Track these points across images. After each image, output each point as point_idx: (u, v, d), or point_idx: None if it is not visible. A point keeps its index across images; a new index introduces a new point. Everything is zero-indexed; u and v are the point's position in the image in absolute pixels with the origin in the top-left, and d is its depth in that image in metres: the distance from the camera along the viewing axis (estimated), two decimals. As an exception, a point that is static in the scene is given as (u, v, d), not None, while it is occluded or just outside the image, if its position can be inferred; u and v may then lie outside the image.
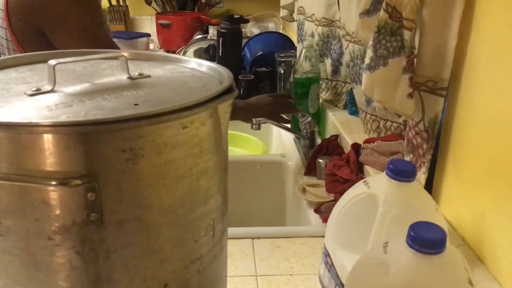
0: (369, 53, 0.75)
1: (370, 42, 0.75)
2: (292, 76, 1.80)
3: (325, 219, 1.03)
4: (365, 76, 0.76)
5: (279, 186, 1.40)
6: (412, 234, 0.51)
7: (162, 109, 0.47)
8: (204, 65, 0.63)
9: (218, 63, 2.04)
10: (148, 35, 2.60)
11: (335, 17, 1.41)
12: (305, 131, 1.37)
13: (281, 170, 1.39)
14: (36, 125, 0.44)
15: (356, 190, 0.71)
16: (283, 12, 1.99)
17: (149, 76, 0.61)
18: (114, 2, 2.80)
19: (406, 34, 0.73)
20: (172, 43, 2.64)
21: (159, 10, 2.84)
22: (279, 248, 0.95)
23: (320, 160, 1.20)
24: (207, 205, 0.55)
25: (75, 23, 1.15)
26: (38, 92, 0.53)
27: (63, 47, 1.13)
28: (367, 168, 1.09)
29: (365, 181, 0.70)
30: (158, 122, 0.47)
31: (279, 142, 1.63)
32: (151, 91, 0.56)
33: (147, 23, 2.94)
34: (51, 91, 0.54)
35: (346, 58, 1.22)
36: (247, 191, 1.41)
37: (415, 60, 0.75)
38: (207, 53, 2.12)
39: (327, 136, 1.43)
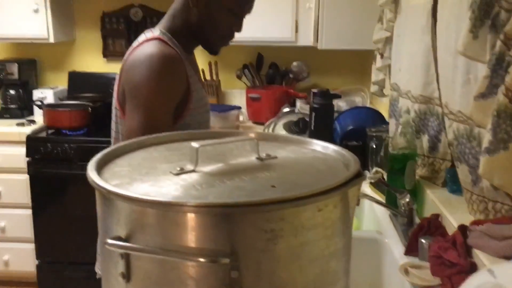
0: (488, 136, 0.74)
1: (489, 126, 0.74)
2: (383, 150, 1.79)
3: (432, 305, 0.98)
4: (484, 159, 0.75)
5: (375, 265, 1.35)
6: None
7: (303, 193, 0.49)
8: (330, 148, 0.66)
9: (310, 136, 2.08)
10: (239, 107, 2.73)
11: (434, 94, 1.41)
12: (403, 208, 1.33)
13: (378, 248, 1.35)
14: (191, 205, 0.48)
15: (479, 279, 0.68)
16: (373, 88, 2.02)
17: (275, 157, 0.65)
18: (208, 77, 3.00)
19: (528, 119, 0.72)
20: (261, 115, 2.74)
21: (249, 84, 2.99)
22: (385, 333, 0.91)
23: (422, 240, 1.16)
24: (335, 288, 0.55)
25: (141, 100, 1.16)
26: (182, 171, 0.58)
27: (126, 115, 1.17)
28: (477, 252, 1.03)
29: (489, 269, 0.67)
30: (298, 205, 0.49)
31: (372, 218, 1.60)
32: (282, 172, 0.59)
33: (237, 96, 3.10)
34: (193, 171, 0.59)
35: (449, 136, 1.20)
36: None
37: (537, 144, 0.73)
38: (296, 127, 2.18)
39: (425, 214, 1.38)
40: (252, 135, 0.69)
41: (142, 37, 1.25)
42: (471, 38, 0.85)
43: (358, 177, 0.56)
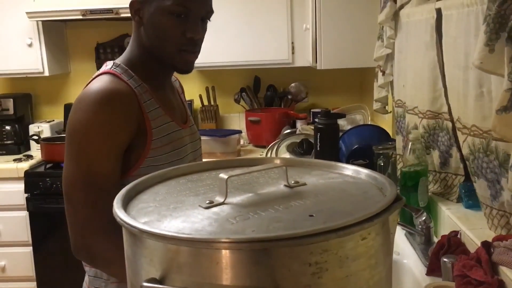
0: (516, 150, 0.73)
1: (516, 139, 0.73)
2: (390, 167, 1.77)
3: (463, 327, 0.95)
4: (512, 174, 0.74)
5: (395, 286, 1.32)
6: None
7: (347, 222, 0.47)
8: (360, 172, 0.64)
9: (316, 156, 2.04)
10: (240, 131, 2.71)
11: (442, 109, 1.40)
12: (420, 226, 1.31)
13: (397, 269, 1.32)
14: (232, 241, 0.45)
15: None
16: (376, 105, 2.01)
17: (304, 184, 0.63)
18: (206, 103, 3.00)
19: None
20: (261, 138, 2.73)
21: (247, 108, 2.99)
22: None
23: (445, 260, 1.13)
24: (380, 320, 0.53)
25: (75, 146, 1.03)
26: (212, 204, 0.56)
27: (64, 162, 1.06)
28: (503, 269, 1.01)
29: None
30: (343, 235, 0.47)
31: (386, 237, 1.57)
32: (316, 200, 0.57)
33: (236, 120, 3.09)
34: (223, 203, 0.56)
35: (464, 151, 1.19)
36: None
37: None
38: (300, 148, 2.16)
39: (441, 231, 1.36)
40: (277, 161, 0.67)
41: (97, 72, 1.13)
42: (488, 52, 0.84)
43: (397, 201, 0.54)
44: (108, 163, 1.03)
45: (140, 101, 1.08)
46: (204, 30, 1.13)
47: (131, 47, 1.15)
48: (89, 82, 1.09)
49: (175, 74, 1.25)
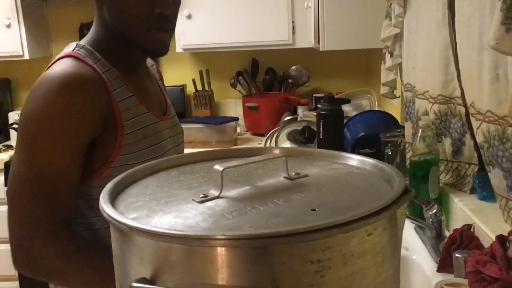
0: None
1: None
2: (398, 157, 1.78)
3: (477, 327, 0.96)
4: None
5: (404, 284, 1.33)
6: None
7: (352, 216, 0.47)
8: (366, 162, 0.64)
9: (319, 145, 2.04)
10: (236, 119, 2.71)
11: (455, 94, 1.40)
12: (430, 220, 1.32)
13: (405, 265, 1.33)
14: (229, 238, 0.45)
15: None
16: (383, 89, 2.01)
17: (306, 176, 0.63)
18: (199, 88, 2.99)
19: None
20: (260, 125, 2.73)
21: (244, 93, 2.98)
22: None
23: (457, 255, 1.14)
24: (387, 320, 0.53)
25: (27, 138, 0.96)
26: (206, 198, 0.56)
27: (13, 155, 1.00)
28: (520, 265, 1.01)
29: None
30: (348, 230, 0.47)
31: (394, 231, 1.58)
32: (318, 193, 0.57)
33: (232, 106, 3.09)
34: (218, 197, 0.56)
35: (478, 138, 1.19)
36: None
37: None
38: (302, 136, 2.16)
39: (454, 225, 1.36)
40: (277, 151, 0.67)
41: (58, 55, 1.05)
42: (504, 31, 0.83)
43: (406, 193, 0.54)
44: (64, 159, 0.96)
45: (108, 89, 1.01)
46: (177, 3, 1.06)
47: (95, 28, 1.07)
48: (49, 67, 1.01)
49: (158, 58, 1.20)
